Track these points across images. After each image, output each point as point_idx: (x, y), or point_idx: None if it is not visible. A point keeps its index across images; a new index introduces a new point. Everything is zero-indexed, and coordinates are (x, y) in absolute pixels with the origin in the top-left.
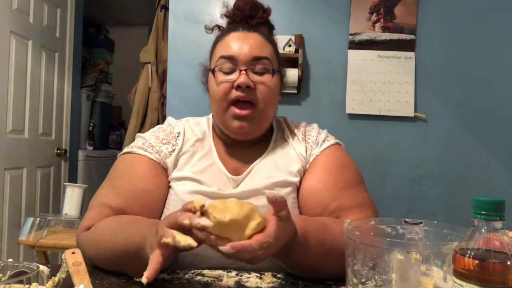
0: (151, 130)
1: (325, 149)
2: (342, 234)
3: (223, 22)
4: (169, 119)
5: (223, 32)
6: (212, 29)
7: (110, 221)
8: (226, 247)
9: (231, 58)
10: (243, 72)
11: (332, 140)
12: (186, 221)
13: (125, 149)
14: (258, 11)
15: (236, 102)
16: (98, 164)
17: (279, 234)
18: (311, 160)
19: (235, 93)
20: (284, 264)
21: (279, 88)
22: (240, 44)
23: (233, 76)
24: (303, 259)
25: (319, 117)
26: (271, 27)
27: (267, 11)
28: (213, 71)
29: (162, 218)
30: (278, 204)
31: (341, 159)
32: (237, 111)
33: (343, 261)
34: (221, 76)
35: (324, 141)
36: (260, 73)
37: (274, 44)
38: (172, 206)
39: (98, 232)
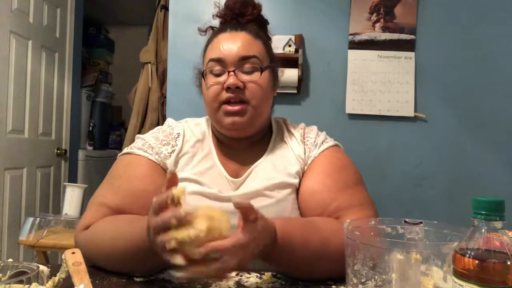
0: (151, 131)
1: (323, 151)
2: (334, 232)
3: (216, 23)
4: (169, 120)
5: (213, 34)
6: (205, 31)
7: (109, 220)
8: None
9: (219, 60)
10: (232, 73)
11: (330, 142)
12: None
13: (125, 150)
14: (247, 8)
15: (228, 102)
16: (98, 164)
17: (251, 235)
18: (309, 161)
19: (225, 95)
20: (275, 267)
21: (271, 84)
22: (227, 45)
23: (222, 78)
24: (290, 260)
25: (319, 117)
26: (264, 22)
27: (257, 7)
28: (204, 74)
29: None
30: (246, 210)
31: (340, 160)
32: (228, 107)
33: (336, 261)
34: (211, 79)
35: (322, 142)
36: (249, 72)
37: (264, 40)
38: None
39: (98, 231)
